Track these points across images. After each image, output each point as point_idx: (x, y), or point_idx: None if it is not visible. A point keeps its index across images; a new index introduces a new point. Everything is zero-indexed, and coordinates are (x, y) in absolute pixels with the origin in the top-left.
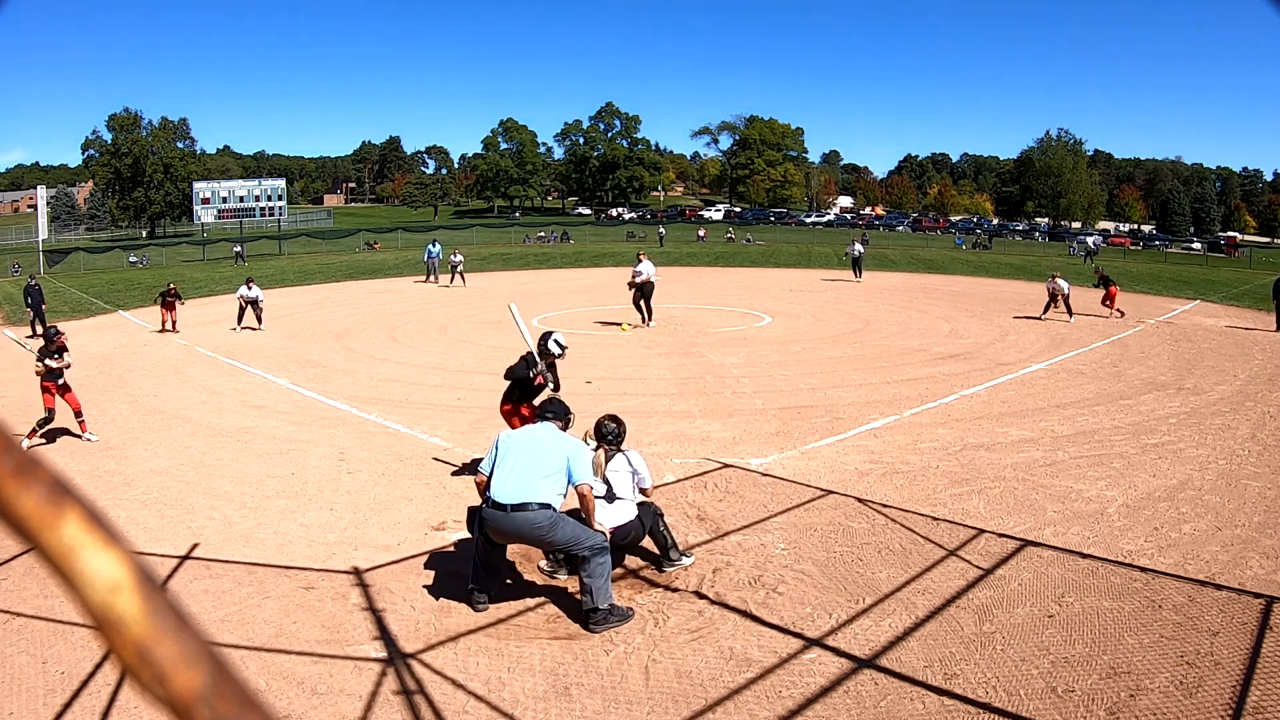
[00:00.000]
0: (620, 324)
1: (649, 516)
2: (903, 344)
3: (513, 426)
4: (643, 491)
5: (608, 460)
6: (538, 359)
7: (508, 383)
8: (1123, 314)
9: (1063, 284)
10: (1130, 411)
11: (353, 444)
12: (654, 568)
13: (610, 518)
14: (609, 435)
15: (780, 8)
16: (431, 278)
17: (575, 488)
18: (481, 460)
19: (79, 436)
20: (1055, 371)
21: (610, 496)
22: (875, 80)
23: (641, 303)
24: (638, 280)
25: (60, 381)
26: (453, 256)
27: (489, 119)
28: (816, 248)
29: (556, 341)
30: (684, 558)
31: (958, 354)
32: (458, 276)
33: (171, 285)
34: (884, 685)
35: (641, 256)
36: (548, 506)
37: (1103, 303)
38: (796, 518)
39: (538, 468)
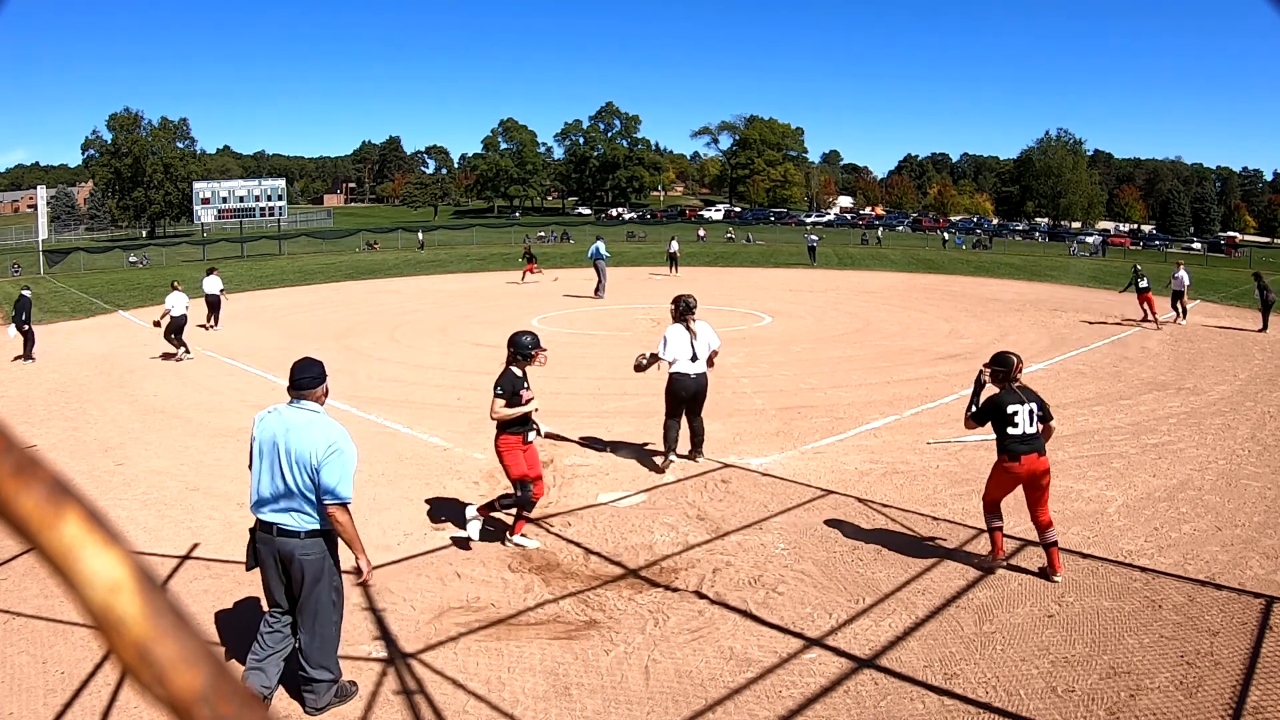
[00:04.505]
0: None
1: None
2: (903, 344)
3: None
4: (714, 351)
5: (692, 327)
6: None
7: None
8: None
9: (1184, 277)
10: (1130, 411)
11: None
12: (655, 565)
13: (697, 369)
14: (690, 308)
15: (780, 7)
16: (600, 289)
17: (325, 506)
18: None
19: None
20: (1055, 371)
21: (694, 356)
22: (875, 80)
23: (172, 335)
24: (171, 314)
25: (530, 436)
26: (671, 246)
27: (489, 119)
28: (817, 247)
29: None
30: (700, 457)
31: (958, 354)
32: (673, 267)
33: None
34: (884, 685)
35: (176, 286)
36: (318, 534)
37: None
38: (796, 518)
39: (286, 476)
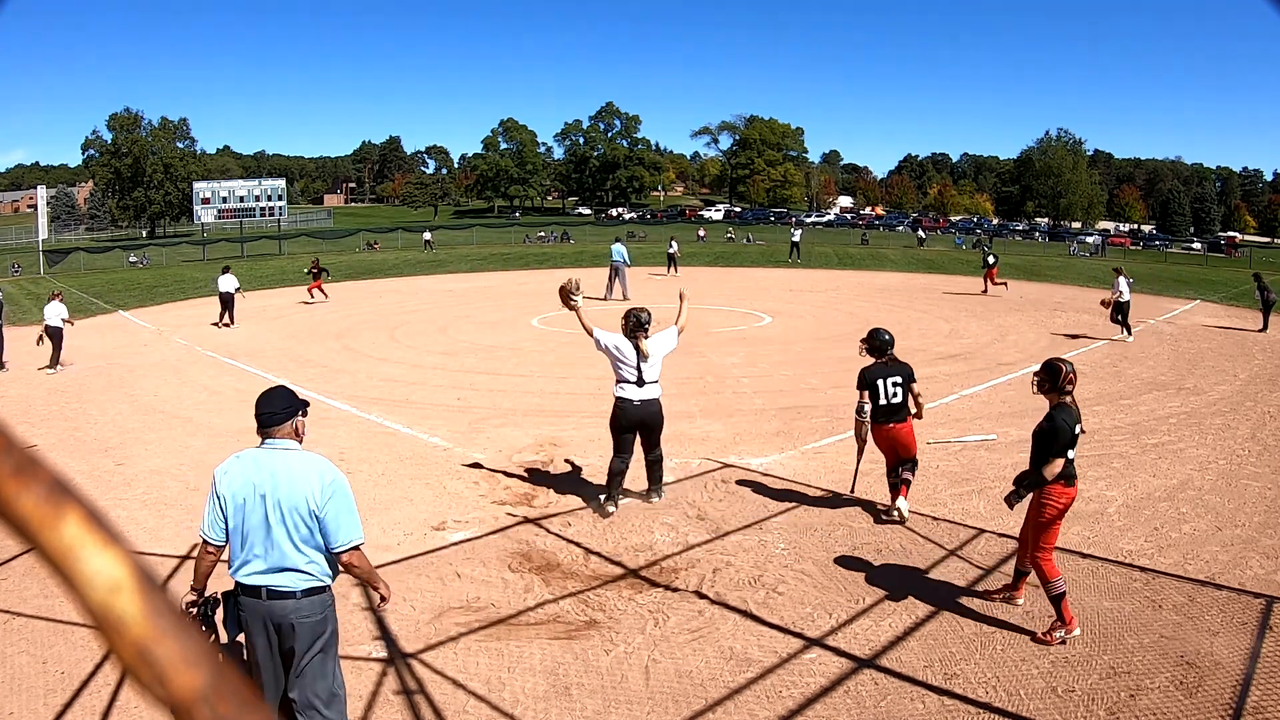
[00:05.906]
0: None
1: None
2: (903, 344)
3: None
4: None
5: (642, 347)
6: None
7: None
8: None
9: (1123, 285)
10: (1130, 411)
11: (353, 444)
12: (655, 565)
13: (643, 396)
14: (641, 324)
15: (780, 8)
16: (618, 290)
17: (337, 555)
18: (207, 518)
19: None
20: None
21: (640, 381)
22: (875, 80)
23: (46, 343)
24: (47, 323)
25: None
26: (670, 245)
27: (489, 119)
28: (817, 247)
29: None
30: (657, 496)
31: (958, 354)
32: (673, 268)
33: None
34: (884, 685)
35: (53, 297)
36: (319, 590)
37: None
38: (796, 518)
39: (277, 532)
